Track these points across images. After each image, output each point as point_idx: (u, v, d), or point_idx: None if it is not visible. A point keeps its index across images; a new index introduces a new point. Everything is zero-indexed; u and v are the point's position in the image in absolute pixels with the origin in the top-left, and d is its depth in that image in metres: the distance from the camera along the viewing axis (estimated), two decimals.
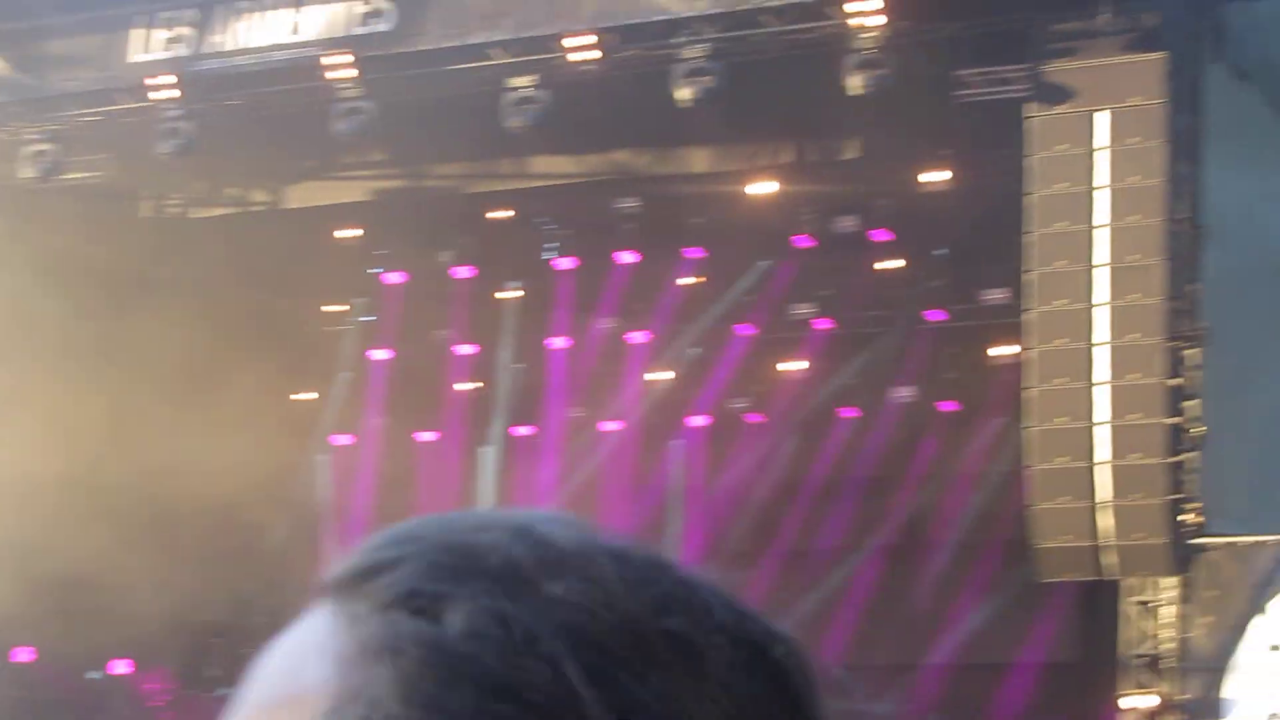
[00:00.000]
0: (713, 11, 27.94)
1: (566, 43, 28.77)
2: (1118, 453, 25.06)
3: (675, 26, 28.09)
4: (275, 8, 30.43)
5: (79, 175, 32.36)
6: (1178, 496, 25.03)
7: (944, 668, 31.94)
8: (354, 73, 29.68)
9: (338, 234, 35.32)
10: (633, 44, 28.52)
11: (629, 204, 33.49)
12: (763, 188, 32.73)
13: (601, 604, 1.24)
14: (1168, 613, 25.83)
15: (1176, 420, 25.04)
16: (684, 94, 27.96)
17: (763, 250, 33.57)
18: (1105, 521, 25.08)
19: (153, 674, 34.17)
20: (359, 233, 35.20)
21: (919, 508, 33.56)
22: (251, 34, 30.69)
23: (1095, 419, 25.15)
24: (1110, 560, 25.24)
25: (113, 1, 31.26)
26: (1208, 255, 25.68)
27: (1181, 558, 25.33)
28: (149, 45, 31.03)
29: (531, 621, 1.22)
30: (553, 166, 32.94)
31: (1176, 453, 25.04)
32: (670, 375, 35.33)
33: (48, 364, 31.25)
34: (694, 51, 27.88)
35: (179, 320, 32.31)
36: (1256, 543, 25.56)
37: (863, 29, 26.95)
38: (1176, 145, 25.27)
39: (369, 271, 36.05)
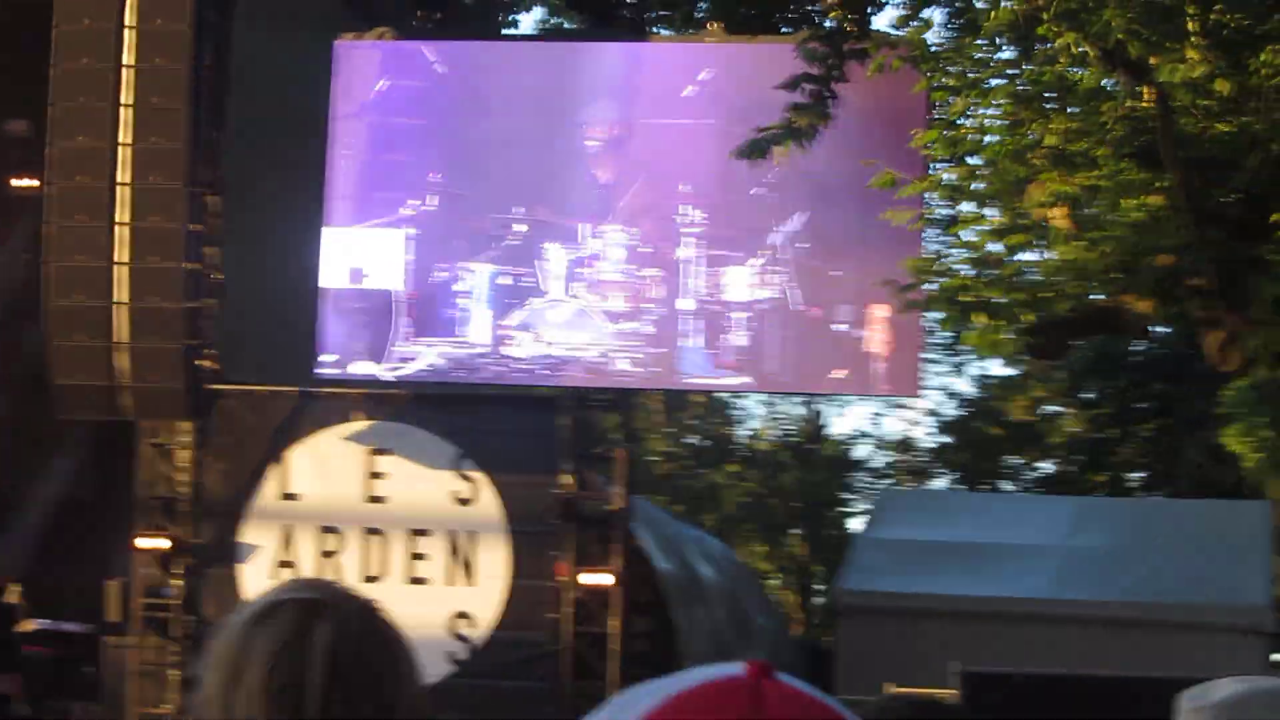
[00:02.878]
0: None
1: None
2: (135, 294, 24.76)
3: None
4: None
5: None
6: (195, 342, 25.00)
7: None
8: None
9: None
10: None
11: None
12: None
13: None
14: (184, 456, 25.87)
15: (196, 266, 24.96)
16: None
17: None
18: (122, 362, 24.86)
19: None
20: None
21: None
22: None
23: (115, 259, 24.80)
24: (127, 401, 25.05)
25: None
26: (232, 103, 25.65)
27: (198, 403, 25.39)
28: None
29: None
30: None
31: (195, 298, 25.01)
32: None
33: None
34: None
35: None
36: (274, 392, 25.83)
37: None
38: None
39: None
